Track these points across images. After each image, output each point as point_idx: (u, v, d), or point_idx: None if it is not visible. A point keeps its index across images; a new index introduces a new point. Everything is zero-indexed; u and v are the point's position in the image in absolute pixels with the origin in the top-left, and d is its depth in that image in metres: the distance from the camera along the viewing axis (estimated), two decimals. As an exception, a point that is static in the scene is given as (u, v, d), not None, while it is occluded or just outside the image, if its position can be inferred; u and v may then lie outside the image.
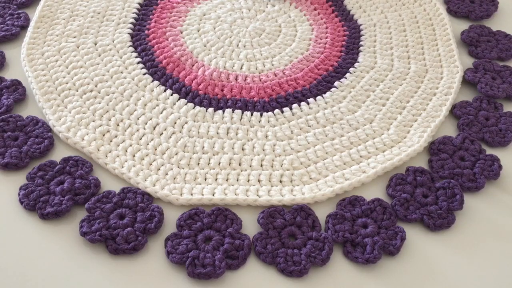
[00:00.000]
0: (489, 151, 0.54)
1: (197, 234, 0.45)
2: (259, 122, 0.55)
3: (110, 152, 0.51)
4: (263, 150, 0.52)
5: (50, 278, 0.42)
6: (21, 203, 0.46)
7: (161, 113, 0.55)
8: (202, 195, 0.48)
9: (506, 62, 0.65)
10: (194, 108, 0.56)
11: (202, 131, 0.53)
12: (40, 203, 0.46)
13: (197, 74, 0.59)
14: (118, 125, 0.53)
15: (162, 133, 0.53)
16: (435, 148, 0.54)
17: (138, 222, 0.45)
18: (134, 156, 0.51)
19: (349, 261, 0.45)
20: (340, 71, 0.62)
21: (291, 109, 0.56)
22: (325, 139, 0.54)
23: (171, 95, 0.57)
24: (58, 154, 0.51)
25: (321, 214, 0.47)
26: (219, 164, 0.51)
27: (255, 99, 0.57)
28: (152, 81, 0.58)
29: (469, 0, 0.73)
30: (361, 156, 0.52)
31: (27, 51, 0.60)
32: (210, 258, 0.43)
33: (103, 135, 0.52)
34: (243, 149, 0.52)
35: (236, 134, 0.53)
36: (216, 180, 0.49)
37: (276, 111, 0.56)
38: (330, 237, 0.45)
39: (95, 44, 0.62)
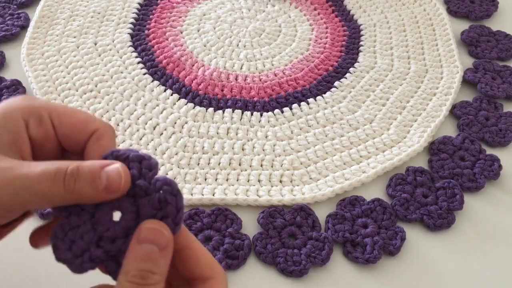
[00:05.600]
0: (489, 151, 0.54)
1: (197, 234, 0.45)
2: (259, 122, 0.55)
3: (110, 152, 0.51)
4: (263, 150, 0.52)
5: (49, 278, 0.42)
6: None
7: (161, 113, 0.55)
8: (202, 195, 0.48)
9: (506, 62, 0.65)
10: (194, 108, 0.56)
11: (202, 131, 0.53)
12: (40, 203, 0.46)
13: (197, 74, 0.59)
14: (118, 125, 0.53)
15: (162, 133, 0.53)
16: (435, 148, 0.54)
17: None
18: (134, 156, 0.51)
19: (349, 261, 0.45)
20: (340, 71, 0.62)
21: (291, 109, 0.56)
22: (325, 139, 0.54)
23: (171, 95, 0.57)
24: (58, 154, 0.51)
25: (321, 214, 0.47)
26: (219, 164, 0.51)
27: (255, 99, 0.57)
28: (152, 81, 0.58)
29: (469, 0, 0.73)
30: (361, 156, 0.52)
31: (27, 51, 0.60)
32: (210, 258, 0.43)
33: (103, 135, 0.52)
34: (243, 149, 0.52)
35: (236, 134, 0.53)
36: (216, 180, 0.50)
37: (276, 111, 0.56)
38: (330, 237, 0.45)
39: (95, 44, 0.62)
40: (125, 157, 0.29)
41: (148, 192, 0.29)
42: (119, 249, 0.29)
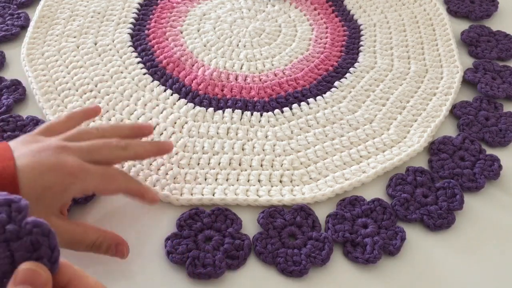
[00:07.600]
0: (489, 151, 0.54)
1: (197, 234, 0.45)
2: (259, 122, 0.55)
3: (110, 152, 0.51)
4: (263, 150, 0.52)
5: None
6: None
7: (161, 113, 0.55)
8: (202, 195, 0.48)
9: (506, 62, 0.65)
10: (194, 108, 0.56)
11: (202, 131, 0.53)
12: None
13: (197, 74, 0.59)
14: (118, 125, 0.53)
15: (162, 133, 0.53)
16: (435, 148, 0.54)
17: None
18: (134, 156, 0.51)
19: (349, 261, 0.45)
20: (340, 71, 0.62)
21: (291, 109, 0.56)
22: (325, 139, 0.54)
23: (171, 95, 0.57)
24: (58, 154, 0.51)
25: (321, 214, 0.47)
26: (219, 164, 0.51)
27: (255, 99, 0.57)
28: (152, 81, 0.58)
29: (469, 0, 0.73)
30: (361, 156, 0.52)
31: (27, 51, 0.60)
32: (210, 258, 0.43)
33: (103, 135, 0.52)
34: (243, 149, 0.52)
35: (236, 134, 0.53)
36: (216, 180, 0.49)
37: (276, 111, 0.56)
38: (330, 237, 0.45)
39: (95, 44, 0.62)
40: None
41: (19, 235, 0.28)
42: None
